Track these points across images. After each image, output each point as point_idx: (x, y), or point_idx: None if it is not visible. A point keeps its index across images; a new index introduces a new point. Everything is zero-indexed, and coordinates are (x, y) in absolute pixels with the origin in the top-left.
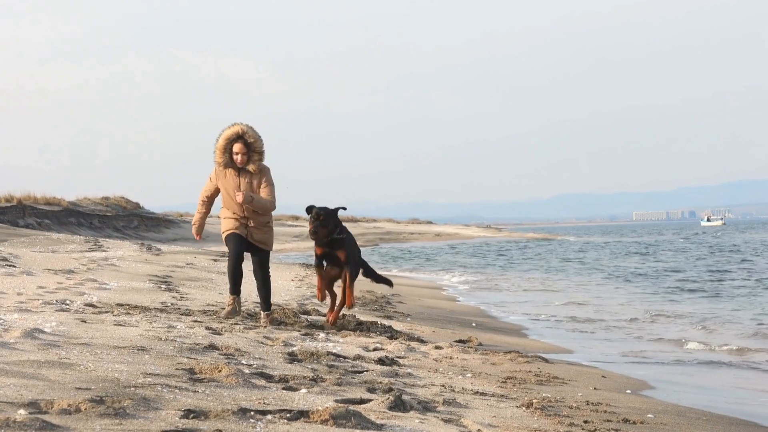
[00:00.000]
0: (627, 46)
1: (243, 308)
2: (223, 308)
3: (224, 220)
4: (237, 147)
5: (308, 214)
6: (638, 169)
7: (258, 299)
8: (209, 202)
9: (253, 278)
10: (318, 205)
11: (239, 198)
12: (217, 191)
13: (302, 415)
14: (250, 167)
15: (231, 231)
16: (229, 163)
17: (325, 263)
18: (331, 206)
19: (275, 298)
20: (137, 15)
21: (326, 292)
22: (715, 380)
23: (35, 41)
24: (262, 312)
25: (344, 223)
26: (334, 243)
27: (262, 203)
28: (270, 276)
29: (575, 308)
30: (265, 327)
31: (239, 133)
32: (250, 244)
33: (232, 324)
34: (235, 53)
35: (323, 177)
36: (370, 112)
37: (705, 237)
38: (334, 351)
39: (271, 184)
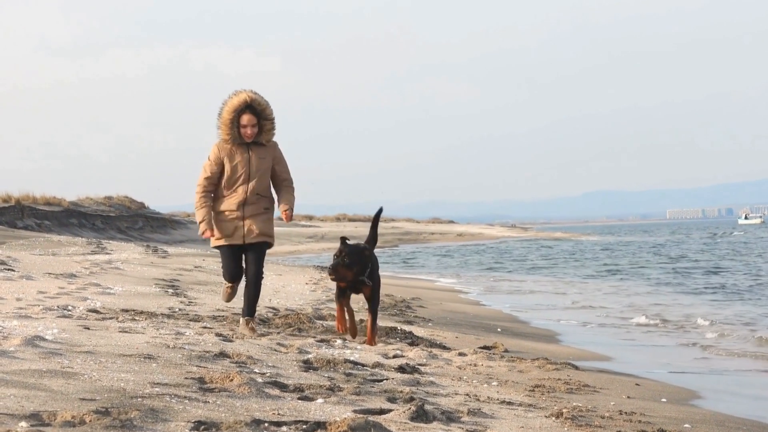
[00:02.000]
0: (660, 37)
1: (256, 314)
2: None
3: (218, 222)
4: (246, 118)
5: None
6: (673, 164)
7: (270, 303)
8: (213, 188)
9: (266, 284)
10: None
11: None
12: (220, 173)
13: (319, 426)
14: (263, 138)
15: (224, 243)
16: (237, 138)
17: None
18: (361, 242)
19: (289, 302)
20: (143, 7)
21: (347, 319)
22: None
23: (28, 33)
24: (242, 318)
25: (361, 224)
26: (359, 283)
27: (293, 200)
28: (263, 275)
29: (607, 312)
30: (243, 337)
31: (247, 101)
32: (247, 246)
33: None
34: (241, 46)
35: (337, 175)
36: (385, 105)
37: (725, 237)
38: (351, 358)
39: (285, 162)
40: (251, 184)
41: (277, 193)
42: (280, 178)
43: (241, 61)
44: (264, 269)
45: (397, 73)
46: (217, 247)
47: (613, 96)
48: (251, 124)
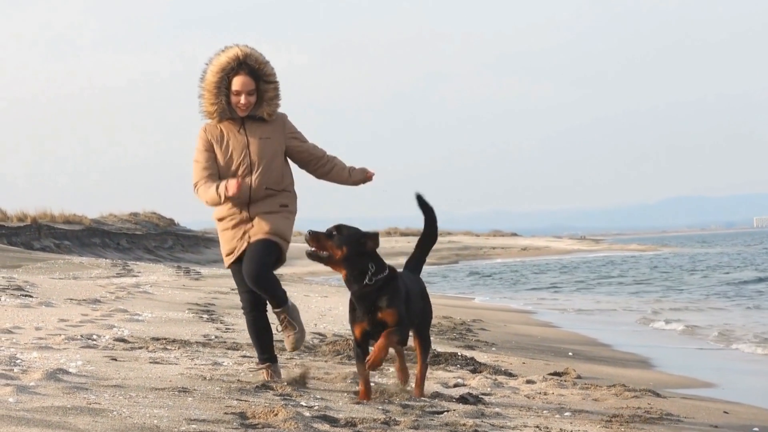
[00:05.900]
0: (740, 20)
1: (306, 340)
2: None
3: (222, 232)
4: (239, 81)
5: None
6: (761, 165)
7: (316, 329)
8: (217, 178)
9: (311, 307)
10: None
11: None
12: (216, 159)
13: None
14: (265, 111)
15: (235, 260)
16: (226, 111)
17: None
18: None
19: (336, 327)
20: (161, 4)
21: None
22: None
23: (45, 36)
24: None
25: (414, 239)
26: (374, 296)
27: (340, 169)
28: (267, 275)
29: (704, 333)
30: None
31: (239, 58)
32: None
33: (287, 359)
34: (277, 41)
35: (384, 182)
36: (436, 103)
37: None
38: (408, 388)
39: (302, 135)
40: (255, 177)
41: (323, 174)
42: (313, 156)
43: (277, 60)
44: (287, 288)
45: (434, 70)
46: (231, 271)
47: (692, 85)
48: (246, 90)
